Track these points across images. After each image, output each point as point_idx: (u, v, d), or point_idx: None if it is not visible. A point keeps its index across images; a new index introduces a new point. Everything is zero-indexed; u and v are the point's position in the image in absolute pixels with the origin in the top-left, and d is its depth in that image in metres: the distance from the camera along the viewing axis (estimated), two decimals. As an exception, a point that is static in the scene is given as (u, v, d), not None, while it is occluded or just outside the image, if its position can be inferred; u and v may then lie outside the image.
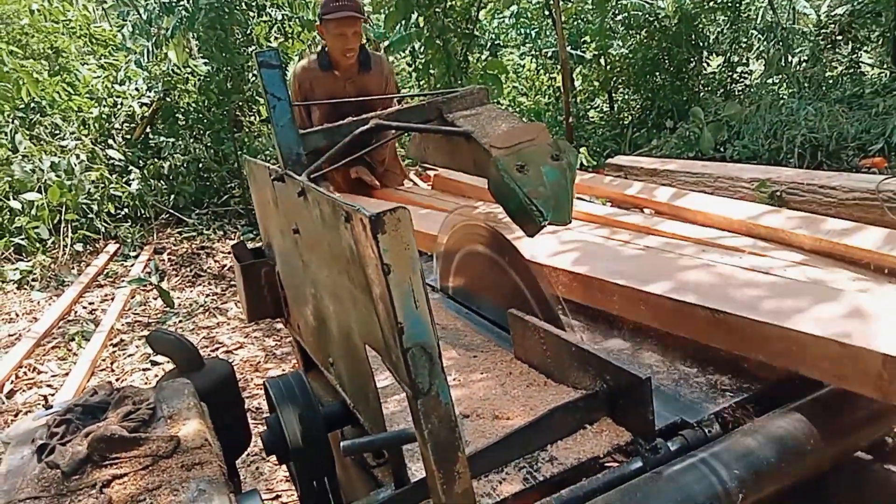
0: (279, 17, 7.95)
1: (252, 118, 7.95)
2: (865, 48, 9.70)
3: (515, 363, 1.46)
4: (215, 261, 5.92)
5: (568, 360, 1.28)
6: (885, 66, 8.82)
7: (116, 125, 7.34)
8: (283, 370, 3.92)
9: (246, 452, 2.99)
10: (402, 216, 0.86)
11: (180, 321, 4.68)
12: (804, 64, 9.35)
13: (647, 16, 9.62)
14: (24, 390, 3.87)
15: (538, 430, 1.15)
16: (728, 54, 9.77)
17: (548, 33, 11.68)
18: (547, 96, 11.61)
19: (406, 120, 1.46)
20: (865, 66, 9.25)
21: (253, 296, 1.94)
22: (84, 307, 5.05)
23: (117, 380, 3.90)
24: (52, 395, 3.78)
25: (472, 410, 1.29)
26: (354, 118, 1.47)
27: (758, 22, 10.33)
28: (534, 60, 12.42)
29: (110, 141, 7.11)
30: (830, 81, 8.74)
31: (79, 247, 5.96)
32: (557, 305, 1.43)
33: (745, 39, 9.75)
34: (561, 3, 9.11)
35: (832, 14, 9.77)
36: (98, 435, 1.31)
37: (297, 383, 1.50)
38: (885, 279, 1.49)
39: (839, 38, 9.19)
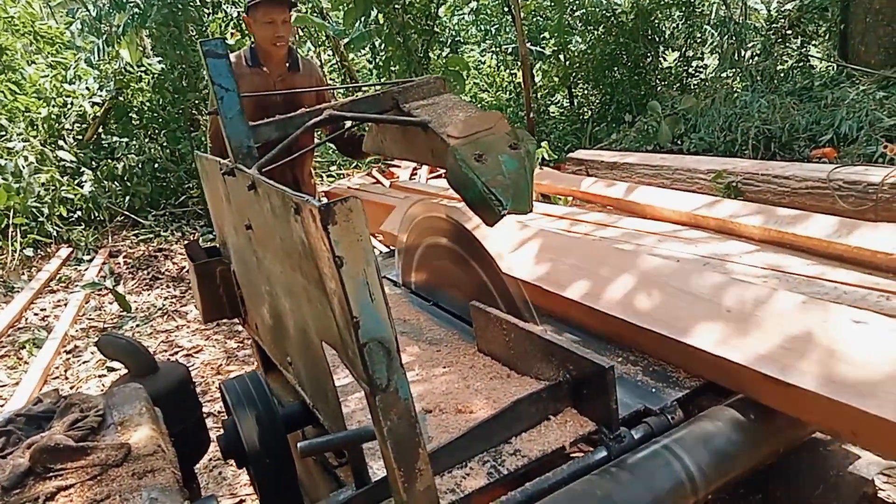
0: (235, 14, 7.79)
1: (207, 117, 7.77)
2: (814, 42, 9.96)
3: (478, 356, 1.44)
4: (173, 263, 5.77)
5: (531, 351, 1.26)
6: (832, 59, 9.06)
7: (67, 125, 7.09)
8: (254, 356, 3.84)
9: (208, 457, 2.92)
10: (353, 206, 0.82)
11: (137, 325, 4.55)
12: (756, 58, 9.56)
13: (604, 12, 9.73)
14: (-30, 402, 3.71)
15: (501, 423, 1.13)
16: (683, 49, 9.94)
17: (507, 30, 11.73)
18: (508, 92, 11.65)
19: (361, 110, 1.42)
20: (814, 60, 9.50)
21: (208, 296, 1.88)
22: (35, 314, 4.87)
23: (72, 388, 3.76)
24: (1, 406, 3.63)
25: (434, 405, 1.26)
26: (308, 108, 1.43)
27: (711, 17, 10.52)
28: (494, 57, 12.46)
29: (61, 142, 6.86)
30: (781, 75, 8.96)
31: (29, 251, 5.74)
32: (520, 297, 1.41)
33: (699, 34, 9.93)
34: (519, -1, 9.14)
35: (782, 9, 10.02)
36: (41, 446, 1.25)
37: (253, 384, 1.45)
38: (837, 265, 1.50)
39: (789, 32, 9.42)
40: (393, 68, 8.74)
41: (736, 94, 8.27)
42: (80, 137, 7.02)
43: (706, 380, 1.20)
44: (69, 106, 7.06)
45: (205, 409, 3.44)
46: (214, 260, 1.87)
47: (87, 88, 7.14)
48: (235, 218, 1.52)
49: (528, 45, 10.19)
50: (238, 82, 2.77)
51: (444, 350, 1.51)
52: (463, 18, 12.69)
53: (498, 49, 11.97)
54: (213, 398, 3.57)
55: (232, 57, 2.90)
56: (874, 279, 1.40)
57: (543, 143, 6.38)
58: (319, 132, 3.07)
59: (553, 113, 10.92)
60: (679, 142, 8.05)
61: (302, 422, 1.46)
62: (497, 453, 1.11)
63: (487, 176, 1.25)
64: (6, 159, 6.16)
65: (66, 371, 3.99)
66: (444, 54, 11.39)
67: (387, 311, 0.87)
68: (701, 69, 10.04)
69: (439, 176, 4.70)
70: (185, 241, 6.23)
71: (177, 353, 4.11)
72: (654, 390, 1.22)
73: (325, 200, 0.86)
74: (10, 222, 5.71)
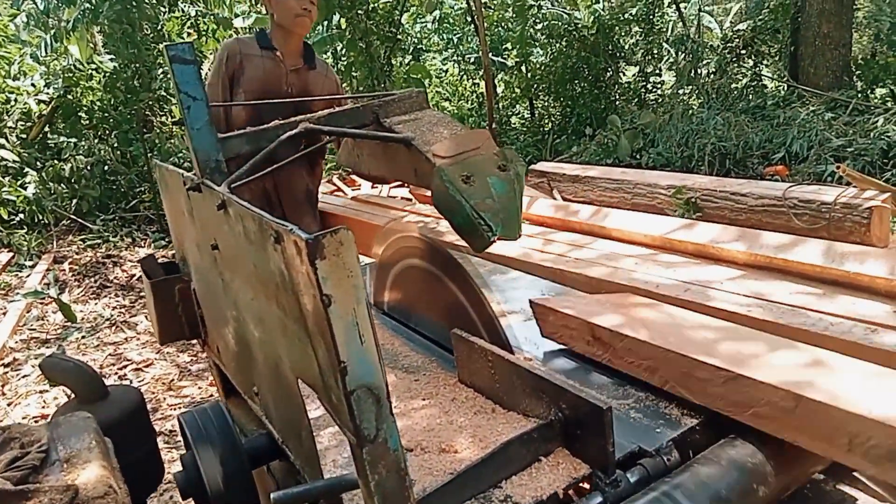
0: (192, 13, 7.57)
1: (163, 118, 7.52)
2: (766, 62, 10.27)
3: (460, 387, 1.36)
4: (123, 270, 5.52)
5: (519, 386, 1.19)
6: (783, 80, 9.35)
7: (10, 123, 6.74)
8: (200, 388, 3.67)
9: (162, 486, 2.76)
10: (344, 238, 0.74)
11: (83, 337, 4.31)
12: (712, 76, 9.80)
13: (566, 25, 9.82)
14: None
15: (491, 466, 1.06)
16: (642, 65, 10.12)
17: (470, 39, 11.75)
18: (470, 102, 11.65)
19: (339, 125, 1.33)
20: (767, 80, 9.79)
21: (165, 316, 1.75)
22: (-30, 323, 4.58)
23: (9, 404, 3.53)
24: (-69, 424, 3.38)
25: (415, 443, 1.18)
26: (283, 121, 1.33)
27: (669, 35, 10.76)
28: (456, 66, 12.46)
29: (2, 140, 6.51)
30: (736, 93, 9.20)
31: (-35, 256, 5.41)
32: (503, 325, 1.34)
33: (657, 51, 10.12)
34: (483, 10, 9.15)
35: (735, 29, 10.30)
36: (-25, 491, 1.11)
37: (215, 417, 1.34)
38: (824, 293, 1.48)
39: (743, 52, 9.68)
40: (354, 74, 8.62)
41: (692, 111, 8.45)
42: (24, 136, 6.68)
43: (703, 417, 1.15)
44: (12, 103, 6.71)
45: (155, 428, 3.28)
46: (173, 277, 1.75)
47: (33, 85, 6.81)
48: (199, 235, 1.41)
49: (491, 55, 10.21)
50: (242, 62, 2.54)
51: (422, 380, 1.43)
52: (426, 26, 12.65)
53: (460, 58, 11.98)
54: (164, 416, 3.39)
55: (242, 38, 2.68)
56: (861, 310, 1.38)
57: (507, 155, 6.34)
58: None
59: (514, 124, 10.96)
60: (638, 156, 8.17)
61: (268, 456, 1.35)
62: (487, 499, 1.04)
63: (476, 199, 1.18)
64: (-58, 157, 5.83)
65: (3, 386, 3.74)
66: (406, 61, 11.33)
67: (378, 354, 0.79)
68: (658, 85, 10.23)
69: (403, 186, 4.60)
70: (138, 248, 5.99)
71: (126, 366, 3.91)
72: (647, 428, 1.16)
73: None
74: (-55, 225, 5.38)
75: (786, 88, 9.23)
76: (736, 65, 9.78)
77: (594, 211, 2.50)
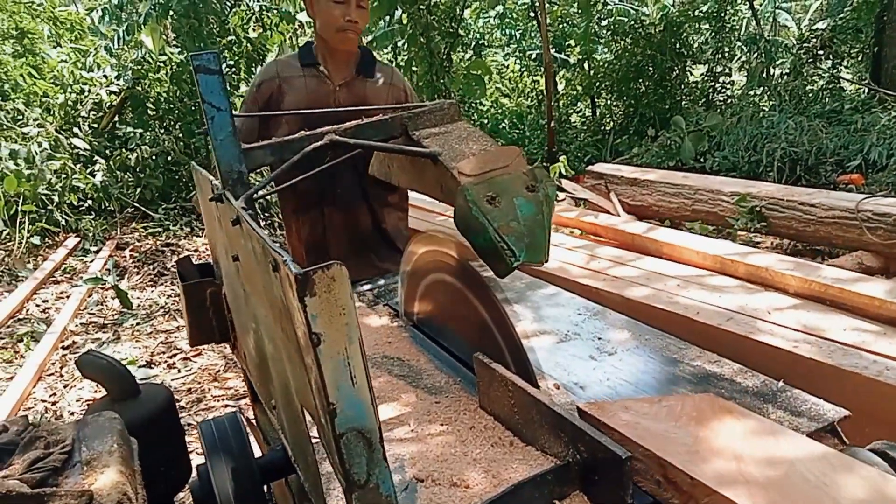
0: (257, 8, 7.72)
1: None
2: (845, 64, 9.73)
3: (480, 414, 1.31)
4: (200, 257, 5.69)
5: (538, 421, 1.13)
6: (864, 82, 8.83)
7: (83, 113, 7.04)
8: (244, 381, 3.74)
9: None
10: (337, 274, 0.70)
11: (138, 324, 4.45)
12: (786, 77, 9.35)
13: (632, 22, 9.55)
14: (-37, 395, 3.62)
15: (501, 508, 1.00)
16: (711, 64, 9.74)
17: (532, 35, 11.59)
18: (530, 99, 11.49)
19: (366, 137, 1.29)
20: (845, 82, 9.27)
21: (197, 318, 1.76)
22: (37, 305, 4.80)
23: (65, 386, 3.68)
24: (-6, 401, 3.55)
25: (427, 474, 1.13)
26: (309, 132, 1.30)
27: (741, 33, 10.32)
28: (518, 62, 12.31)
29: (76, 129, 6.81)
30: (811, 95, 8.75)
31: (36, 240, 5.68)
32: (530, 348, 1.27)
33: (728, 49, 9.72)
34: (546, 5, 8.99)
35: (814, 28, 9.79)
36: (-9, 493, 1.13)
37: (231, 427, 1.33)
38: (882, 332, 1.35)
39: (820, 52, 9.19)
40: (414, 69, 8.62)
41: (763, 114, 8.08)
42: (95, 126, 6.96)
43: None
44: (86, 93, 7.01)
45: (198, 419, 3.35)
46: (205, 281, 1.76)
47: (105, 76, 7.09)
48: (225, 243, 1.40)
49: (553, 52, 10.04)
50: (282, 88, 2.21)
51: (443, 402, 1.38)
52: (488, 21, 12.54)
53: (522, 54, 11.82)
54: (208, 407, 3.46)
55: (282, 59, 2.35)
56: (925, 354, 1.25)
57: (562, 158, 6.22)
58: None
59: (574, 122, 10.76)
60: (702, 160, 7.87)
61: (281, 471, 1.33)
62: (494, 543, 0.98)
63: (500, 221, 1.12)
64: (20, 144, 6.11)
65: (61, 368, 3.90)
66: (466, 57, 11.27)
67: (371, 395, 0.75)
68: (728, 86, 9.83)
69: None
70: (196, 237, 6.15)
71: (175, 355, 4.02)
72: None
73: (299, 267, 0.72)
74: (19, 209, 5.65)
75: (866, 92, 8.72)
76: (812, 65, 9.29)
77: (647, 228, 2.39)
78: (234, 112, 1.21)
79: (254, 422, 2.01)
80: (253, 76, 7.14)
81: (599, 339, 1.59)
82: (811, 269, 1.61)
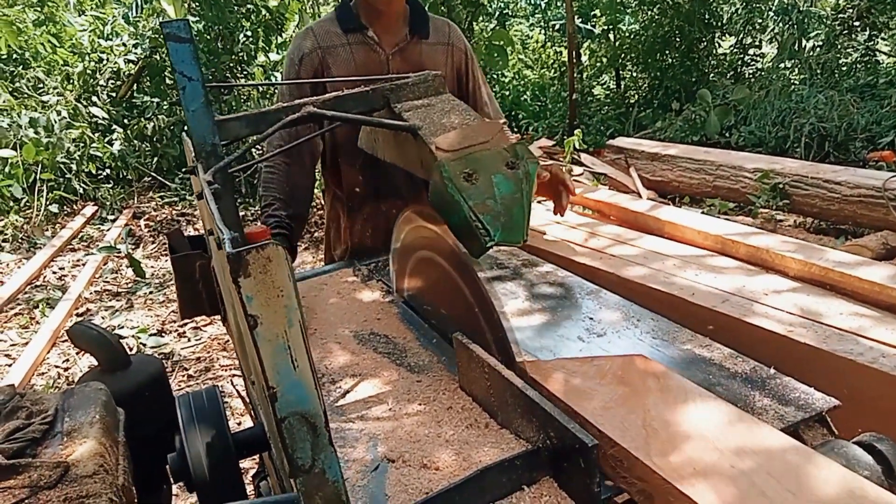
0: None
1: (243, 80, 7.67)
2: (882, 36, 9.34)
3: (459, 394, 1.28)
4: (195, 229, 5.73)
5: (512, 404, 1.10)
6: (902, 55, 8.50)
7: (101, 82, 7.07)
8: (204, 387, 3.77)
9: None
10: (273, 254, 0.67)
11: (151, 292, 4.51)
12: (818, 49, 9.02)
13: (660, -9, 9.26)
14: (-20, 359, 3.72)
15: (465, 492, 0.98)
16: (741, 35, 9.43)
17: (558, 4, 11.30)
18: (553, 70, 11.26)
19: (345, 109, 1.25)
20: (881, 55, 8.91)
21: (186, 291, 1.75)
22: (54, 272, 4.88)
23: (77, 352, 3.74)
24: (10, 365, 3.63)
25: (398, 455, 1.11)
26: (285, 104, 1.26)
27: (774, 3, 9.95)
28: (542, 32, 12.05)
29: (94, 98, 6.85)
30: (844, 69, 8.44)
31: (54, 208, 5.76)
32: (512, 338, 1.24)
33: (759, 20, 9.39)
34: (571, -27, 8.75)
35: (851, -2, 9.40)
36: (-35, 463, 1.14)
37: (208, 400, 1.32)
38: (882, 318, 1.29)
39: (856, 23, 8.83)
40: (434, 40, 8.48)
41: (792, 88, 7.82)
42: (113, 95, 6.99)
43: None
44: (104, 62, 7.02)
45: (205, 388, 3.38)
46: (194, 253, 1.74)
47: (123, 45, 7.09)
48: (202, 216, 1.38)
49: (578, 22, 9.80)
50: (327, 62, 1.84)
51: (424, 381, 1.35)
52: (512, -10, 12.27)
53: (546, 25, 11.56)
54: (216, 376, 3.50)
55: (312, 23, 1.99)
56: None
57: (577, 132, 6.09)
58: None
59: (598, 95, 10.53)
60: (727, 134, 7.68)
61: (257, 447, 1.32)
62: (457, 528, 0.96)
63: (476, 199, 1.08)
64: (40, 113, 6.17)
65: (68, 338, 3.97)
66: (490, 27, 11.06)
67: (314, 379, 0.72)
68: (757, 58, 9.52)
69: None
70: (170, 229, 6.19)
71: (186, 324, 4.06)
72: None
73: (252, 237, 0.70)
74: (38, 177, 5.72)
75: (902, 65, 8.39)
76: (847, 37, 8.95)
77: (651, 206, 2.32)
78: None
79: (245, 397, 2.02)
80: (268, 45, 7.08)
81: (591, 319, 1.55)
82: (813, 251, 1.54)
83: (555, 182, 2.05)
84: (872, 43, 8.77)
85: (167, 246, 1.82)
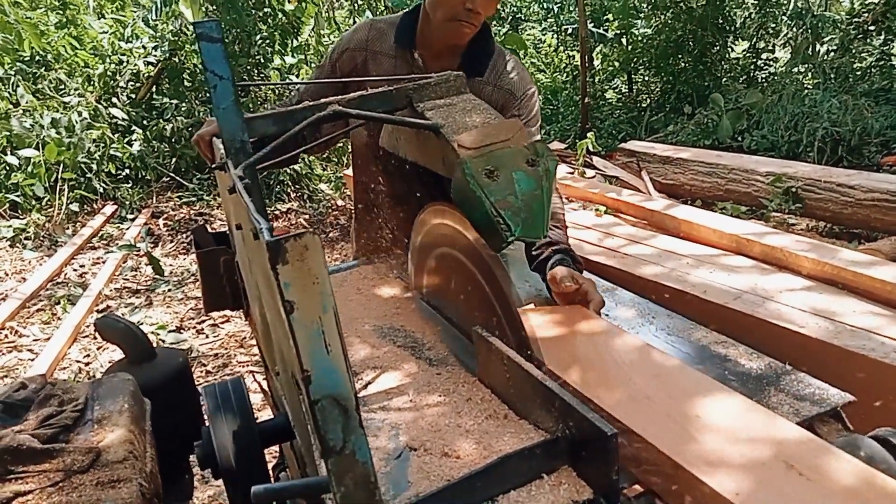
0: (291, -20, 7.69)
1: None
2: (898, 40, 9.29)
3: (478, 387, 1.31)
4: (213, 228, 5.79)
5: (531, 395, 1.13)
6: (918, 59, 8.45)
7: (121, 83, 7.16)
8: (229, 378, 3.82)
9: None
10: (310, 243, 0.70)
11: (170, 290, 4.57)
12: (832, 53, 8.99)
13: (673, -5, 9.26)
14: (3, 353, 3.79)
15: (486, 479, 1.01)
16: (754, 40, 9.42)
17: (570, 9, 11.33)
18: (565, 74, 11.28)
19: (370, 108, 1.29)
20: (897, 60, 8.87)
21: (211, 286, 1.80)
22: (75, 269, 4.96)
23: (98, 348, 3.81)
24: (32, 360, 3.70)
25: (420, 443, 1.15)
26: (312, 103, 1.30)
27: (788, 7, 9.92)
28: (554, 36, 12.08)
29: (114, 99, 6.94)
30: (858, 73, 8.40)
31: (75, 206, 5.85)
32: (530, 334, 1.27)
33: (772, 25, 9.37)
34: (584, -23, 8.77)
35: (866, 2, 9.35)
36: (3, 445, 1.18)
37: (234, 391, 1.36)
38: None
39: (871, 28, 8.79)
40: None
41: (805, 92, 7.80)
42: (132, 96, 7.09)
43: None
44: (124, 64, 7.12)
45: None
46: (219, 249, 1.79)
47: (144, 47, 7.19)
48: (231, 211, 1.42)
49: (591, 26, 9.82)
50: (368, 63, 1.76)
51: (443, 374, 1.39)
52: (526, -6, 12.32)
53: (558, 29, 11.59)
54: (232, 372, 3.55)
55: (369, 21, 1.87)
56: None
57: (589, 135, 6.11)
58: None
59: (610, 98, 10.54)
60: (740, 138, 7.67)
61: (281, 436, 1.36)
62: (478, 513, 0.99)
63: (497, 195, 1.11)
64: (62, 113, 6.26)
65: (95, 331, 4.03)
66: (503, 31, 11.10)
67: (346, 363, 0.75)
68: (770, 62, 9.50)
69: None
70: (196, 225, 6.27)
71: (204, 321, 4.12)
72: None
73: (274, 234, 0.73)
74: (60, 176, 5.81)
75: (919, 70, 8.33)
76: (862, 42, 8.91)
77: (667, 204, 2.35)
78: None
79: (267, 390, 2.06)
80: (284, 48, 7.14)
81: (606, 316, 1.58)
82: (827, 251, 1.56)
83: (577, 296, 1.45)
84: (888, 48, 8.73)
85: (192, 241, 1.87)
